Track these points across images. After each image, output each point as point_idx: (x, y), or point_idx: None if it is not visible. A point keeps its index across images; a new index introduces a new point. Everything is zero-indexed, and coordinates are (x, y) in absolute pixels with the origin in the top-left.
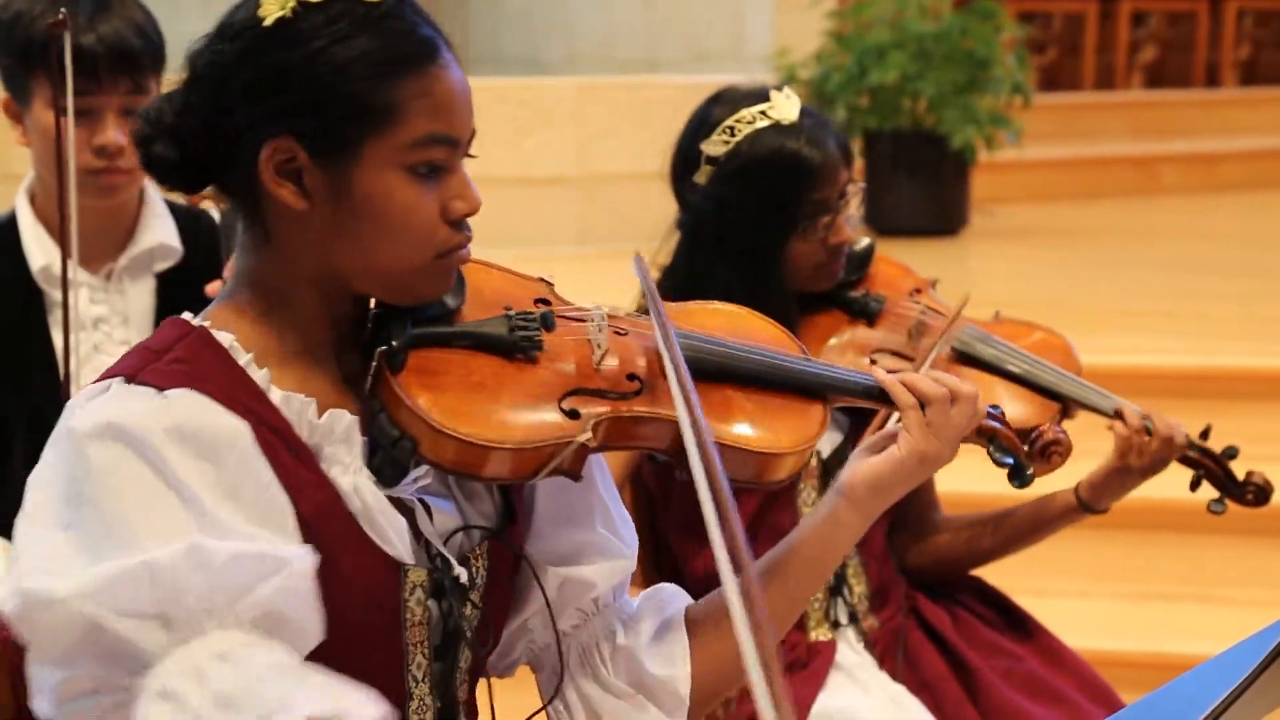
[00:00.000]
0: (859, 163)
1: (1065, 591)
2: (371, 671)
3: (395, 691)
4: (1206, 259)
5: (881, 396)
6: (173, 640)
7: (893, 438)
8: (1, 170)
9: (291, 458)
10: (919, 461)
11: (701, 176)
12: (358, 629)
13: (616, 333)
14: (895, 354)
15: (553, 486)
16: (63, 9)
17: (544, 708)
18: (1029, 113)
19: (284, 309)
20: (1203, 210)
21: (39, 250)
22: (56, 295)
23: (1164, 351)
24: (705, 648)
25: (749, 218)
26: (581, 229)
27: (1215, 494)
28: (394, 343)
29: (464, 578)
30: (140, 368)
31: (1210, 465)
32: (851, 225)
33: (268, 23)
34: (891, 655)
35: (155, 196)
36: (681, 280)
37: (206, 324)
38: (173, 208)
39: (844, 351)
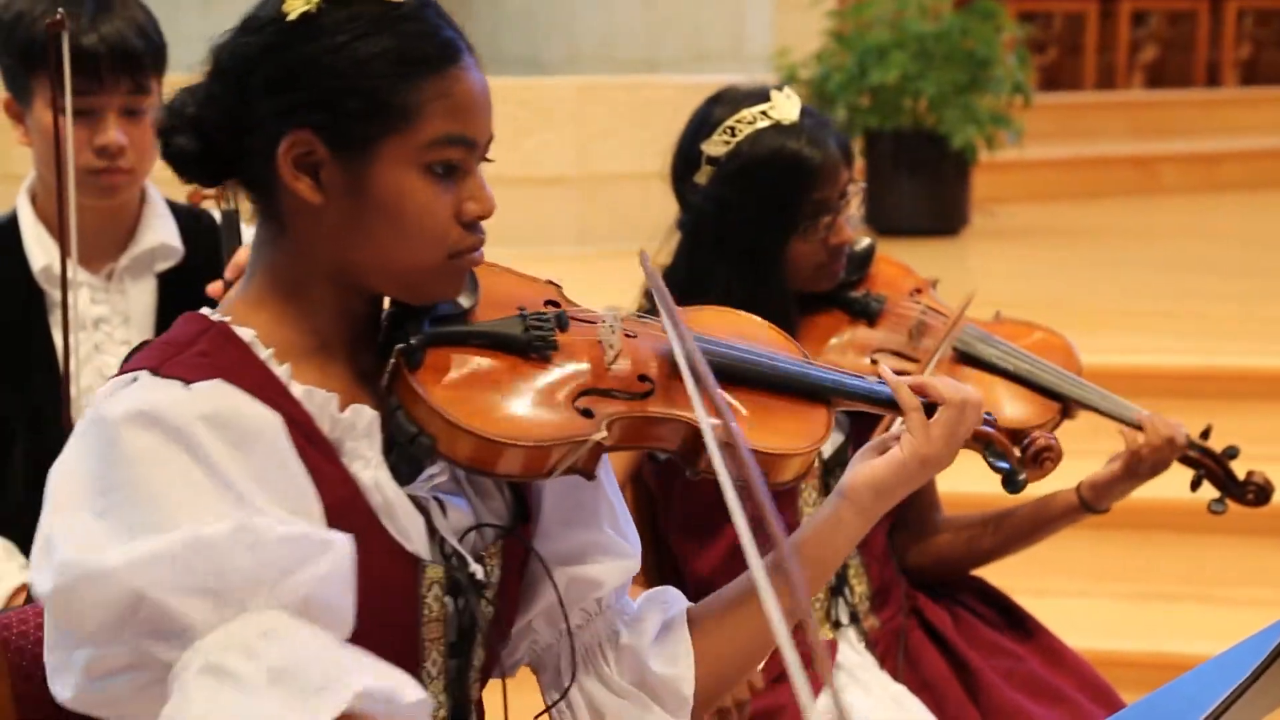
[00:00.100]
0: (859, 163)
1: (1066, 591)
2: None
3: None
4: (1207, 259)
5: (888, 402)
6: (218, 616)
7: (894, 439)
8: (3, 170)
9: (315, 451)
10: (920, 464)
11: (702, 177)
12: (376, 624)
13: (627, 335)
14: (896, 354)
15: (561, 486)
16: (62, 9)
17: (553, 705)
18: (1029, 112)
19: (301, 305)
20: (1203, 210)
21: (40, 250)
22: (57, 295)
23: (1164, 351)
24: (707, 648)
25: (750, 218)
26: (582, 229)
27: (1216, 494)
28: (412, 340)
29: (480, 575)
30: (165, 360)
31: (1211, 465)
32: (852, 225)
33: (292, 17)
34: (892, 655)
35: (156, 196)
36: (682, 280)
37: (227, 319)
38: (173, 208)
39: (844, 351)
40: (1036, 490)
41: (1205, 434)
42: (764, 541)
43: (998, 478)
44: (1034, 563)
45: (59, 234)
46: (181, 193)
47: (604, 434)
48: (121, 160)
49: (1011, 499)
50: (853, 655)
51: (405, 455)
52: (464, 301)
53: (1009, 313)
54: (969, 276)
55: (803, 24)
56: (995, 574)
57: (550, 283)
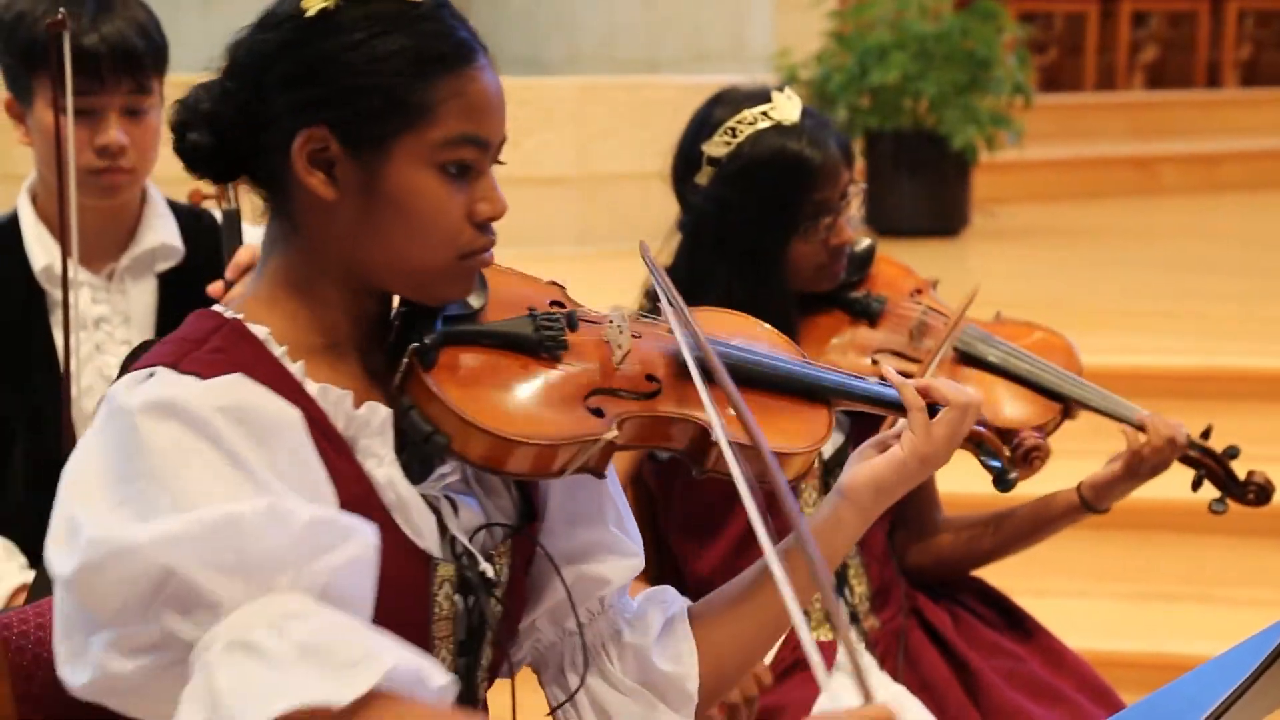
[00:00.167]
0: (860, 163)
1: (1066, 592)
2: None
3: None
4: (1207, 259)
5: (889, 402)
6: (245, 594)
7: (894, 438)
8: (4, 170)
9: (331, 448)
10: (921, 463)
11: (703, 177)
12: (388, 621)
13: (632, 335)
14: (897, 354)
15: (566, 485)
16: (63, 9)
17: (565, 703)
18: (1030, 113)
19: (313, 303)
20: (1203, 210)
21: (41, 250)
22: (58, 295)
23: (1164, 352)
24: (709, 644)
25: (750, 218)
26: (582, 229)
27: (1216, 494)
28: (426, 340)
29: (490, 573)
30: (182, 356)
31: (1211, 465)
32: (852, 226)
33: (310, 14)
34: (892, 656)
35: (157, 196)
36: (683, 281)
37: (240, 316)
38: (174, 208)
39: (845, 352)
40: (1037, 491)
41: (1206, 434)
42: (775, 536)
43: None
44: (1034, 563)
45: (60, 234)
46: (182, 193)
47: (615, 433)
48: (122, 160)
49: (1012, 500)
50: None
51: (417, 454)
52: (474, 301)
53: (1009, 313)
54: (969, 277)
55: (803, 24)
56: (995, 574)
57: (553, 283)
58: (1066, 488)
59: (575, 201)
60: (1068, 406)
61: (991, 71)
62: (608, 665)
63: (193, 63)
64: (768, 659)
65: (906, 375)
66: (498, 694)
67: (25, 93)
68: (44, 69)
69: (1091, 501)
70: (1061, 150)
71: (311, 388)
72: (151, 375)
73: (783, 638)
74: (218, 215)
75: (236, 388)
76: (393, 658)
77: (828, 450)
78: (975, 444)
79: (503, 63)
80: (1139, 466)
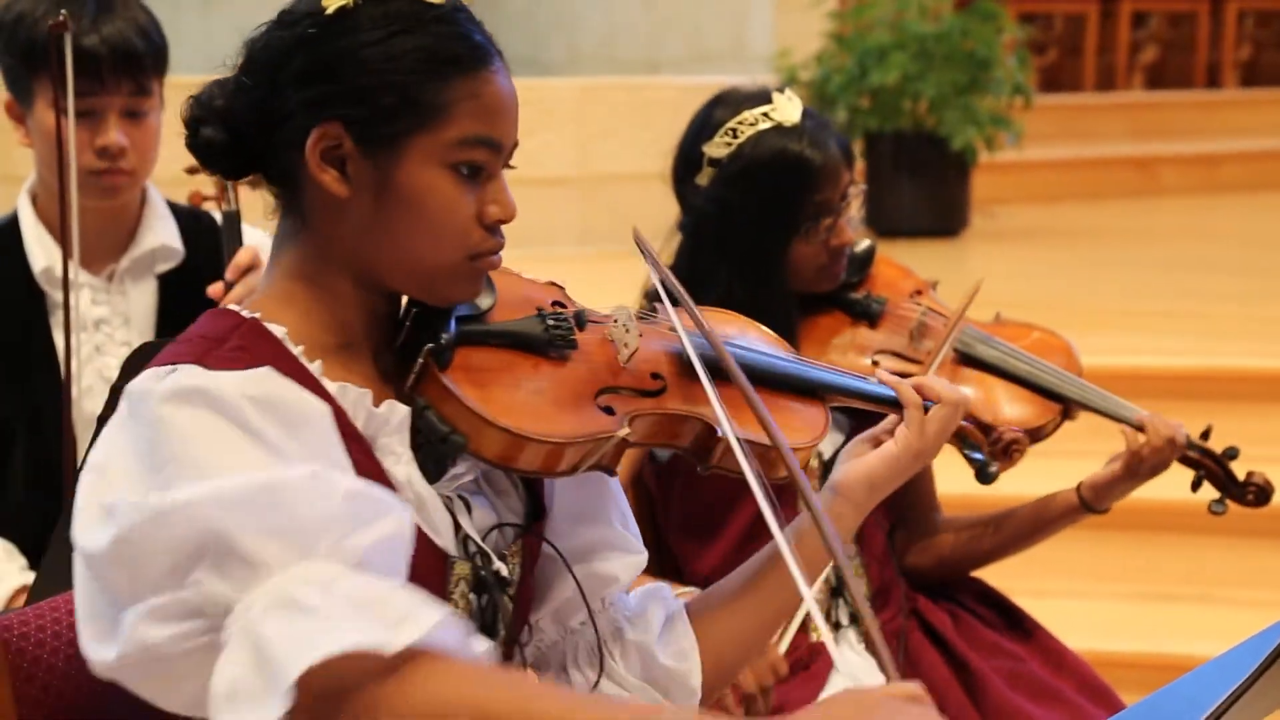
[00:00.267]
0: (860, 164)
1: (1066, 592)
2: None
3: None
4: (1207, 260)
5: (883, 399)
6: (288, 557)
7: (886, 434)
8: (4, 172)
9: (354, 445)
10: (913, 458)
11: (703, 178)
12: None
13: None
14: (897, 355)
15: (571, 482)
16: (64, 10)
17: None
18: (1030, 114)
19: (326, 299)
20: (1203, 211)
21: (41, 251)
22: (58, 296)
23: (1164, 352)
24: (710, 639)
25: (751, 219)
26: (583, 229)
27: (1216, 494)
28: (443, 339)
29: (504, 572)
30: (205, 354)
31: (1211, 465)
32: (852, 227)
33: (329, 11)
34: (893, 656)
35: (157, 198)
36: (683, 282)
37: (257, 315)
38: (174, 209)
39: (845, 352)
40: (1036, 491)
41: (1205, 434)
42: (784, 525)
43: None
44: (1034, 564)
45: (60, 235)
46: (182, 194)
47: (628, 430)
48: (123, 161)
49: (1012, 500)
50: (853, 657)
51: (431, 454)
52: (483, 302)
53: (1009, 314)
54: (969, 278)
55: (803, 25)
56: (995, 575)
57: (552, 284)
58: (1066, 488)
59: (576, 202)
60: (1067, 407)
61: (991, 72)
62: (611, 663)
63: (193, 63)
64: (782, 647)
65: (906, 376)
66: None
67: (25, 94)
68: (45, 70)
69: (1091, 502)
70: (1061, 151)
71: (330, 386)
72: (174, 370)
73: (778, 630)
74: (217, 217)
75: (267, 379)
76: (440, 613)
77: (828, 449)
78: (959, 438)
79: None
80: (1138, 467)
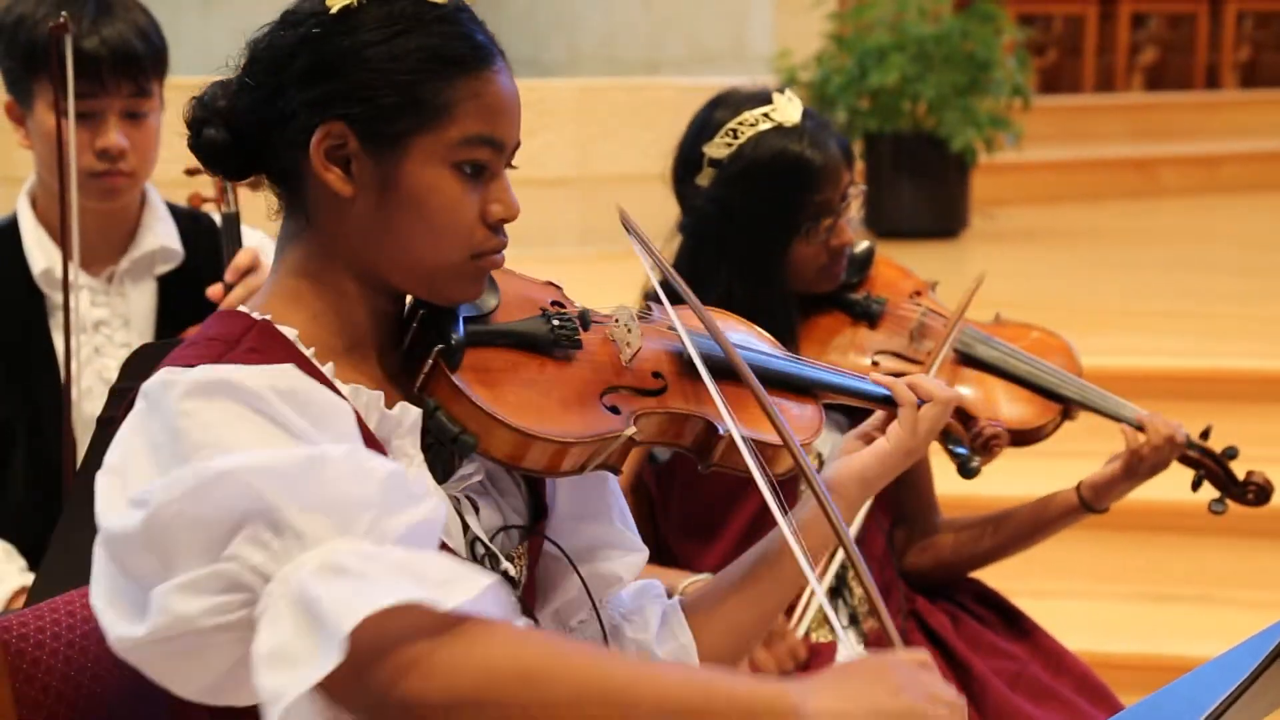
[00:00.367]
0: (859, 165)
1: (1065, 593)
2: None
3: None
4: (1206, 260)
5: (876, 397)
6: (328, 532)
7: (877, 431)
8: (3, 173)
9: (370, 446)
10: (905, 455)
11: (704, 179)
12: None
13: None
14: (897, 355)
15: (572, 481)
16: (64, 12)
17: None
18: (1029, 115)
19: (333, 298)
20: (1203, 212)
21: (40, 253)
22: (57, 298)
23: (1164, 353)
24: (705, 634)
25: (752, 220)
26: (583, 230)
27: (1216, 494)
28: (453, 340)
29: (512, 573)
30: (220, 355)
31: (1211, 465)
32: (851, 228)
33: (334, 11)
34: (897, 629)
35: (156, 199)
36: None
37: (268, 317)
38: (173, 211)
39: (846, 353)
40: (1036, 492)
41: (1205, 434)
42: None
43: (1001, 480)
44: (1034, 564)
45: (60, 237)
46: (181, 195)
47: (634, 430)
48: (122, 163)
49: (1010, 501)
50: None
51: (440, 455)
52: (489, 302)
53: (1009, 314)
54: (968, 279)
55: (803, 26)
56: (995, 576)
57: (550, 283)
58: (1066, 488)
59: (576, 202)
60: (1067, 407)
61: (991, 73)
62: None
63: (193, 64)
64: (799, 632)
65: (902, 376)
66: None
67: (26, 96)
68: (45, 72)
69: (1090, 502)
70: (1061, 152)
71: (343, 389)
72: (191, 369)
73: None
74: (217, 218)
75: (291, 375)
76: (490, 577)
77: (826, 448)
78: (944, 434)
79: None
80: (1138, 466)
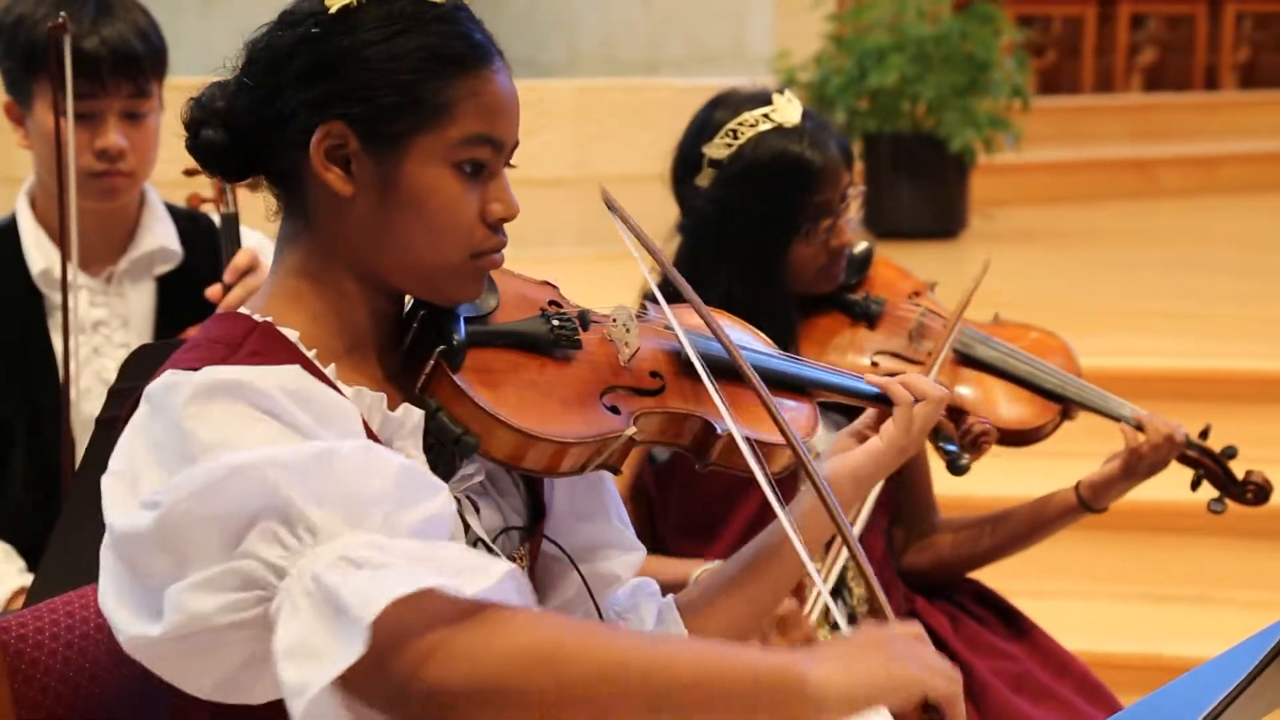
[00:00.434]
0: (858, 166)
1: (1064, 593)
2: None
3: None
4: (1206, 261)
5: (869, 395)
6: (341, 526)
7: (869, 429)
8: (3, 174)
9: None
10: (898, 454)
11: (703, 179)
12: None
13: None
14: (896, 356)
15: (570, 481)
16: (63, 12)
17: None
18: (1028, 115)
19: (333, 298)
20: (1202, 212)
21: (39, 253)
22: (56, 298)
23: (1163, 353)
24: (701, 630)
25: (752, 220)
26: (582, 230)
27: (1215, 494)
28: (455, 341)
29: None
30: (224, 357)
31: (1210, 464)
32: (850, 228)
33: (333, 10)
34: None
35: (155, 200)
36: None
37: (269, 319)
38: (172, 211)
39: (845, 353)
40: (1035, 492)
41: (1204, 434)
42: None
43: (999, 480)
44: (1033, 564)
45: (59, 237)
46: (180, 196)
47: (634, 430)
48: (122, 163)
49: (1009, 501)
50: None
51: (441, 457)
52: (488, 302)
53: (1008, 314)
54: (968, 279)
55: (802, 26)
56: (994, 576)
57: (546, 283)
58: (1065, 488)
59: (575, 203)
60: (1066, 407)
61: (990, 74)
62: None
63: (192, 65)
64: (813, 618)
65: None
66: None
67: (25, 96)
68: (44, 72)
69: (1089, 501)
70: (1060, 153)
71: (346, 390)
72: (196, 372)
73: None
74: (216, 218)
75: (299, 376)
76: (509, 565)
77: (823, 446)
78: (934, 431)
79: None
80: (1137, 465)
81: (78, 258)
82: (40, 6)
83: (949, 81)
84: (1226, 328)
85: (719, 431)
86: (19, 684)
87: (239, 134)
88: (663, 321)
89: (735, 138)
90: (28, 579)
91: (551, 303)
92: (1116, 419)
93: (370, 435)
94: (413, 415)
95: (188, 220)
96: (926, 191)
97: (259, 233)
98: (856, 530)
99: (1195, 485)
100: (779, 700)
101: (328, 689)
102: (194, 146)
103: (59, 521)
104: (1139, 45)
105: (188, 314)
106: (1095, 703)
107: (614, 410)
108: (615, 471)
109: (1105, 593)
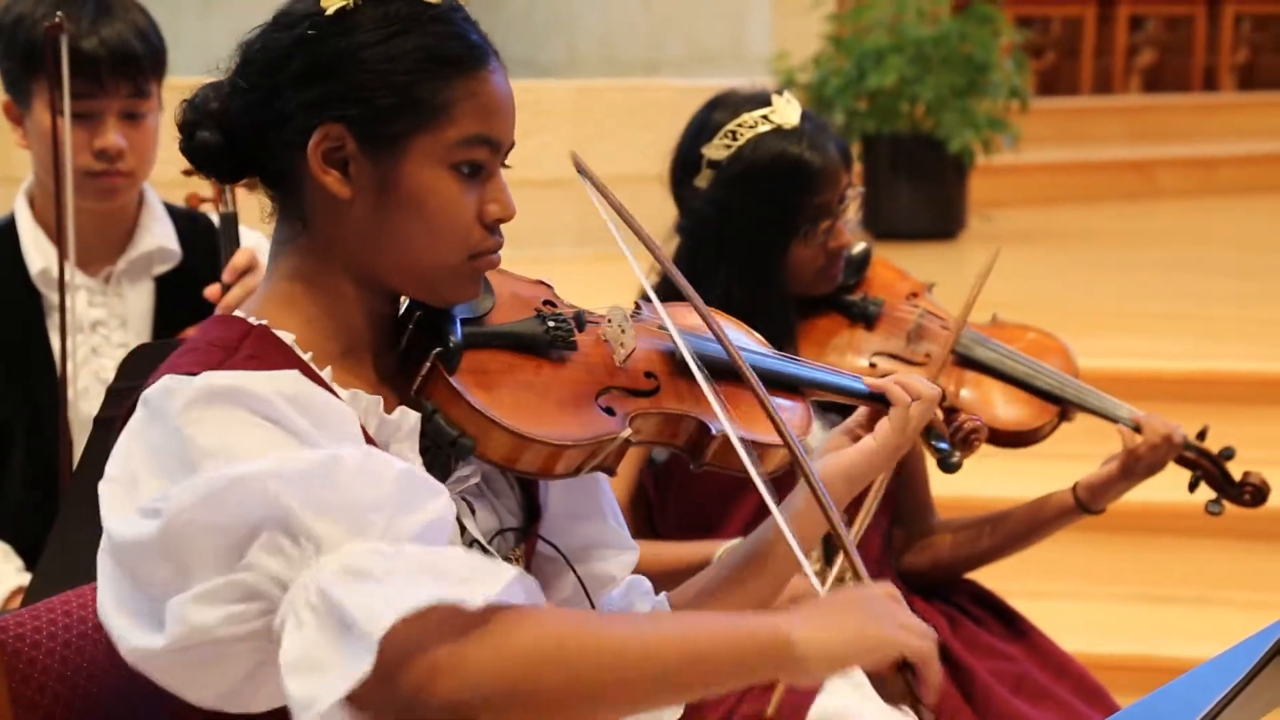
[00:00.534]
0: (857, 167)
1: (1062, 594)
2: None
3: None
4: (1204, 262)
5: (863, 395)
6: (343, 535)
7: (862, 428)
8: (2, 173)
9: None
10: (891, 453)
11: (702, 180)
12: None
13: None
14: (895, 357)
15: (564, 482)
16: (60, 12)
17: None
18: (1027, 117)
19: (329, 307)
20: (1200, 214)
21: (37, 253)
22: (55, 298)
23: (1161, 355)
24: None
25: (750, 222)
26: (580, 231)
27: (1212, 495)
28: (451, 343)
29: None
30: (220, 361)
31: (1207, 465)
32: (849, 229)
33: (329, 12)
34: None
35: (154, 200)
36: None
37: (264, 321)
38: (171, 211)
39: (844, 354)
40: (1033, 492)
41: (1202, 435)
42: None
43: (998, 480)
44: (1031, 565)
45: (57, 237)
46: (179, 196)
47: (630, 431)
48: (121, 163)
49: (1007, 501)
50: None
51: (437, 458)
52: (484, 303)
53: (1006, 316)
54: (966, 280)
55: (801, 27)
56: (991, 577)
57: (540, 282)
58: (1062, 489)
59: (573, 203)
60: (1065, 408)
61: (988, 75)
62: None
63: (191, 65)
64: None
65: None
66: None
67: (24, 95)
68: (42, 72)
69: (1087, 502)
70: (1058, 154)
71: (342, 394)
72: (193, 378)
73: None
74: (215, 218)
75: (298, 381)
76: (513, 570)
77: (816, 445)
78: (926, 428)
79: (503, 63)
80: (1134, 466)
81: (76, 258)
82: (39, 6)
83: (948, 82)
84: (1224, 329)
85: (714, 432)
86: (16, 683)
87: (234, 136)
88: (658, 321)
89: (734, 139)
90: (26, 578)
91: (546, 303)
92: (1114, 420)
93: (367, 438)
94: (409, 418)
95: (186, 220)
96: (925, 192)
97: (258, 232)
98: (862, 525)
99: (1193, 486)
100: (768, 662)
101: (335, 703)
102: (188, 148)
103: (57, 521)
104: (1138, 46)
105: (186, 314)
106: (1093, 703)
107: (609, 411)
108: (610, 473)
109: (1103, 594)
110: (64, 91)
